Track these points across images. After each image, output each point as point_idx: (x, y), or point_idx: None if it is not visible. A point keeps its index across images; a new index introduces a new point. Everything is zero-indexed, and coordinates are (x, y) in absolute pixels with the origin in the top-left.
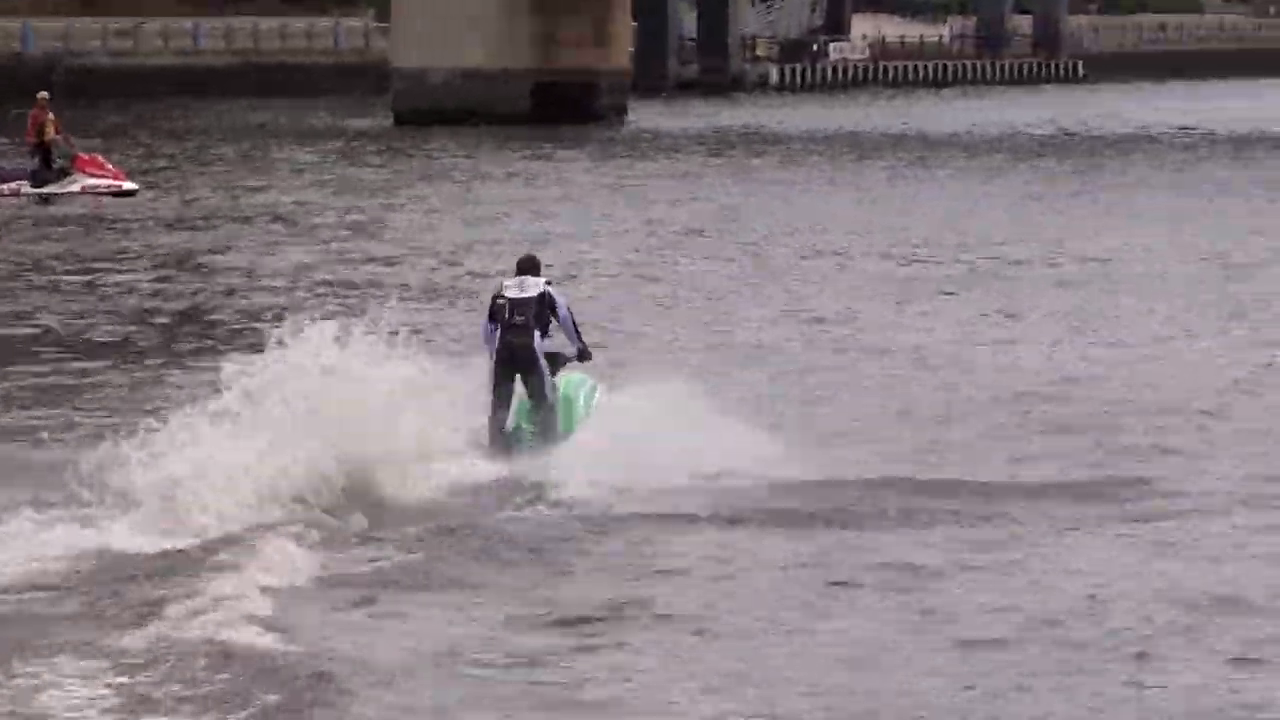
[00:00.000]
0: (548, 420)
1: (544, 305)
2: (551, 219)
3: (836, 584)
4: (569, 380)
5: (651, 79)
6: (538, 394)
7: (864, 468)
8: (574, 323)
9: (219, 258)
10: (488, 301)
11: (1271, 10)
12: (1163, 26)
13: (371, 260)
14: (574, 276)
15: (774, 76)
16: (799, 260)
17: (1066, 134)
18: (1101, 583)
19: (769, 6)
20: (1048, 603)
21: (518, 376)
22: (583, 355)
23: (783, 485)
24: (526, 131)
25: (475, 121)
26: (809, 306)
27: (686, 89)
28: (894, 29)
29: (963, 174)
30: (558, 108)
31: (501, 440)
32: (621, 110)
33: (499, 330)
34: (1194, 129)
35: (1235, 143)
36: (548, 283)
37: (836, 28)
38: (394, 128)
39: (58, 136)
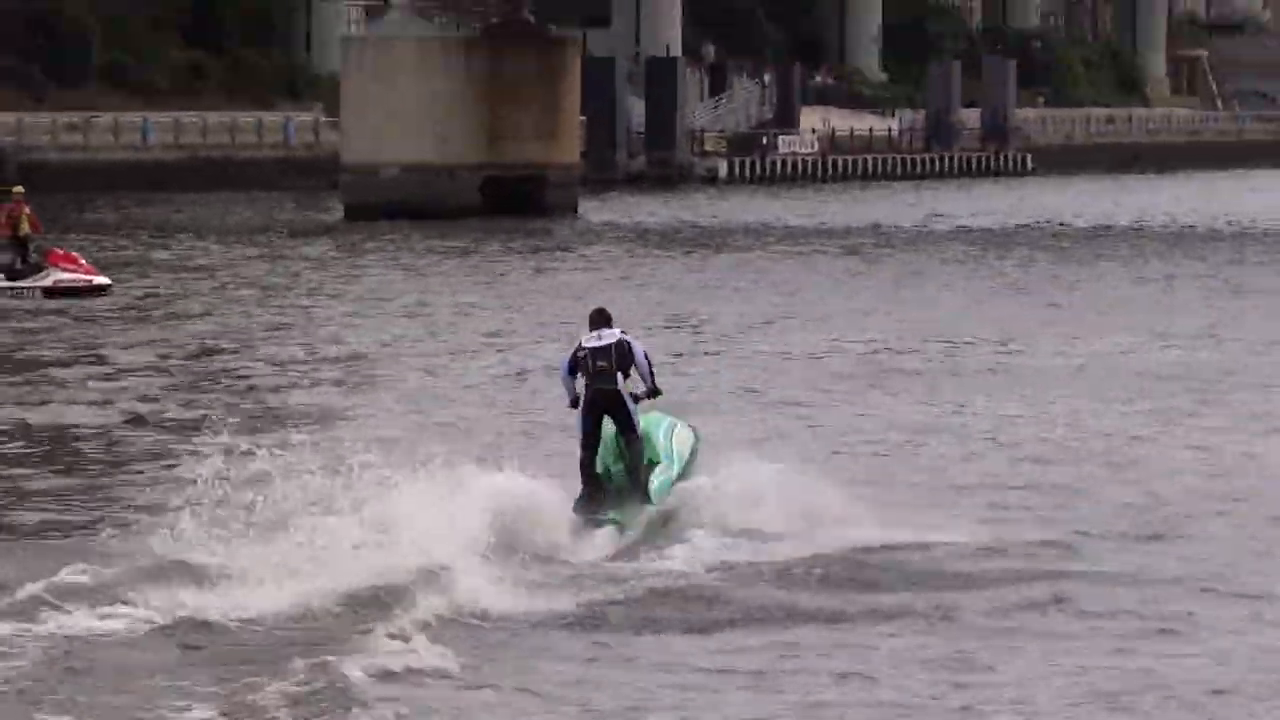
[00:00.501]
0: (635, 451)
1: (622, 351)
2: (512, 314)
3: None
4: (647, 419)
5: (601, 172)
6: (626, 428)
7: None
8: (649, 365)
9: (194, 351)
10: (568, 356)
11: (1219, 104)
12: (1110, 119)
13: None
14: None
15: (723, 170)
16: (773, 353)
17: (1024, 226)
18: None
19: (718, 100)
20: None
21: (605, 418)
22: (653, 393)
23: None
24: (476, 225)
25: (424, 216)
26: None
27: (634, 182)
28: (843, 122)
29: (922, 266)
30: (507, 202)
31: (594, 481)
32: (572, 204)
33: (586, 380)
34: (1149, 222)
35: (1189, 236)
36: (623, 332)
37: (786, 121)
38: (344, 222)
39: (33, 232)
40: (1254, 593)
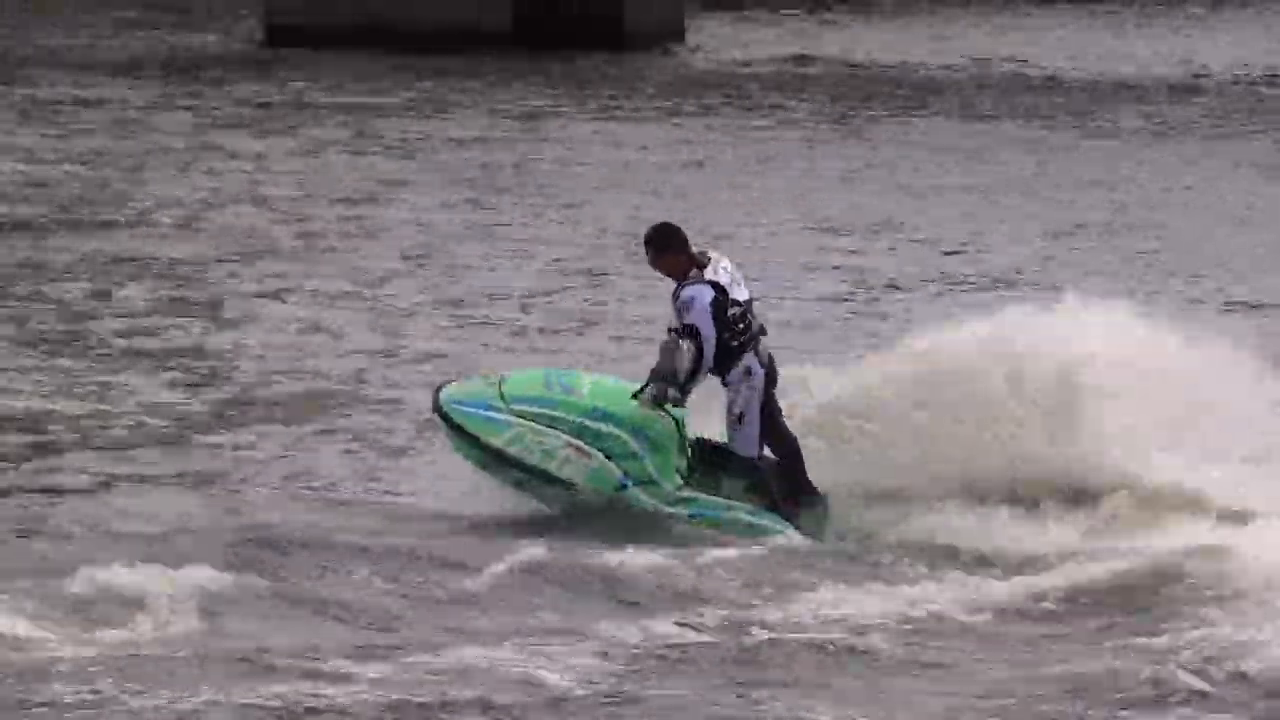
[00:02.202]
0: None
1: None
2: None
3: None
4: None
5: None
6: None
7: None
8: None
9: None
10: (703, 310)
11: None
12: None
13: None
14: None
15: None
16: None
17: None
18: None
19: None
20: None
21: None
22: None
23: None
24: (501, 65)
25: (407, 46)
26: None
27: None
28: None
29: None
30: (558, 27)
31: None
32: (673, 29)
33: (740, 347)
34: None
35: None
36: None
37: None
38: (268, 49)
39: None
40: None
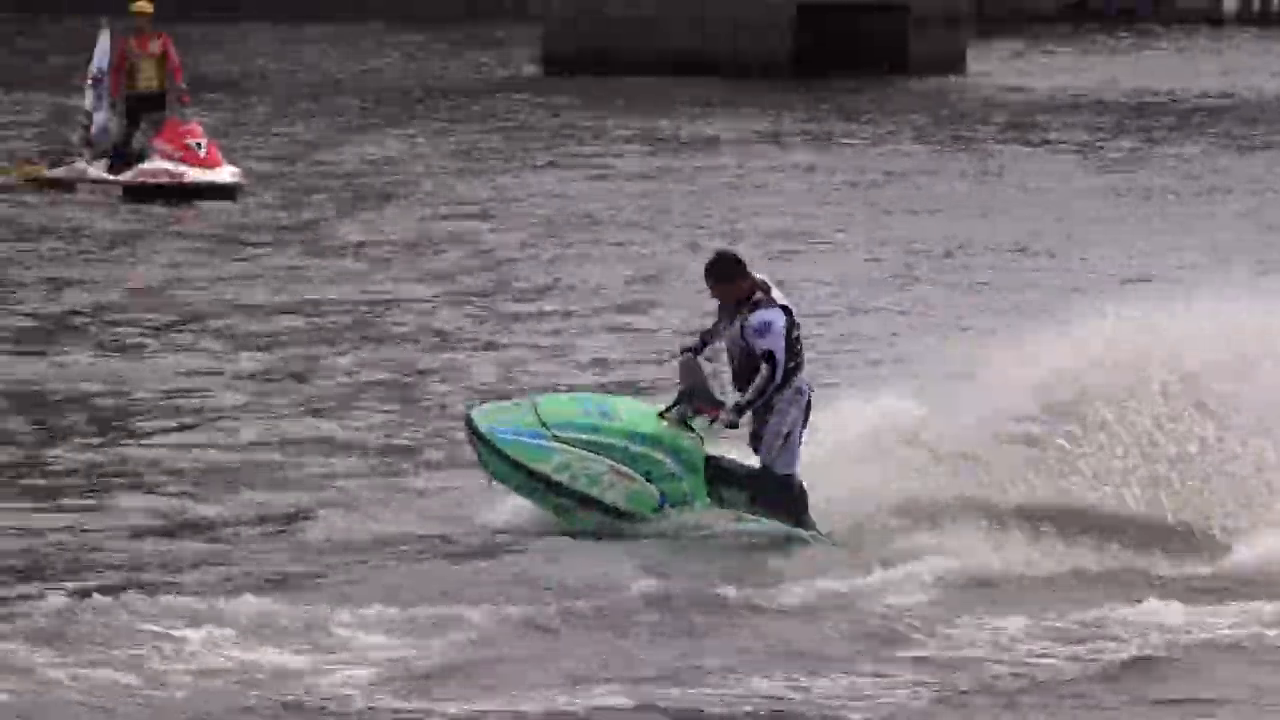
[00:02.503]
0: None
1: None
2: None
3: None
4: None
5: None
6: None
7: None
8: None
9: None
10: (779, 334)
11: None
12: None
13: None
14: None
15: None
16: None
17: None
18: None
19: None
20: None
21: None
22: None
23: None
24: (784, 90)
25: (687, 71)
26: None
27: (1068, 18)
28: None
29: None
30: (838, 55)
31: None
32: (954, 55)
33: (795, 368)
34: None
35: None
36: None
37: None
38: (542, 79)
39: (176, 80)
40: None
